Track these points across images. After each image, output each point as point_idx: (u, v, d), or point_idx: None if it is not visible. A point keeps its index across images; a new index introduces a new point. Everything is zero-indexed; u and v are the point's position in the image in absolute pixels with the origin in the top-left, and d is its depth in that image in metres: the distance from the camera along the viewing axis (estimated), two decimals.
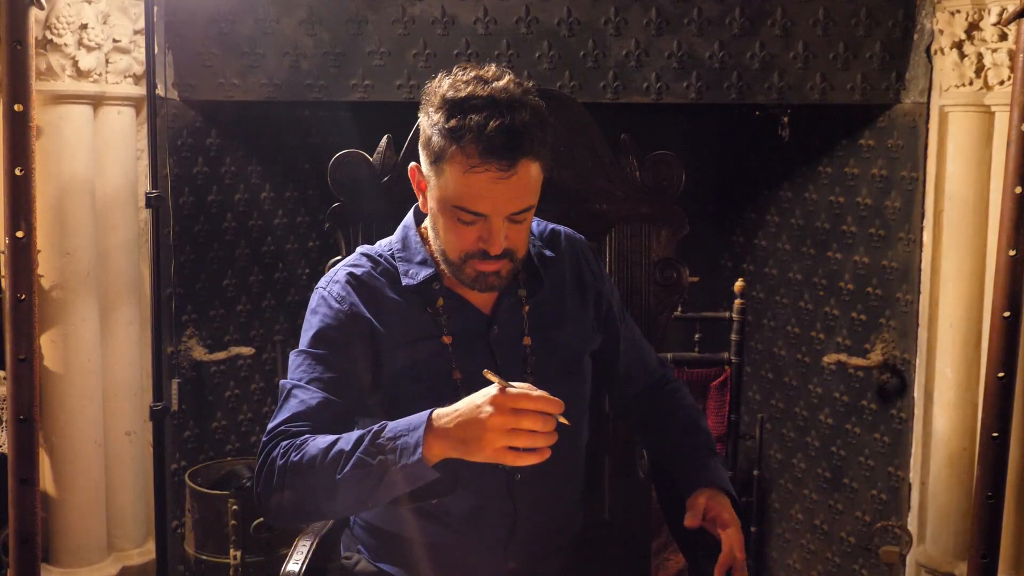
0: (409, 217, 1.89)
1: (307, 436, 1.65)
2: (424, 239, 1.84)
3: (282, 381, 1.77)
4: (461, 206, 1.68)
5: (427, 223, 1.82)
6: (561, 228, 1.96)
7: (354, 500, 1.61)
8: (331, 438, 1.61)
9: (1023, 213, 1.87)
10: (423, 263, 1.81)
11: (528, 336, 1.85)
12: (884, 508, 3.17)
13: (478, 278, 1.75)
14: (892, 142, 3.07)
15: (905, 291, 3.06)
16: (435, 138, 1.68)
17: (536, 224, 1.93)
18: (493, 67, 1.71)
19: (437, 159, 1.69)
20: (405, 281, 1.81)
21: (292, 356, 1.78)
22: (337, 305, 1.78)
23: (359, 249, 1.89)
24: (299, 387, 1.73)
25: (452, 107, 1.66)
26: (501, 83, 1.67)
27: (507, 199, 1.67)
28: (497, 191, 1.65)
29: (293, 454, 1.62)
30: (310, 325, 1.79)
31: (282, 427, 1.69)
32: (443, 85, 1.70)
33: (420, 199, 1.80)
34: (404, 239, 1.86)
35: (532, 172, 1.68)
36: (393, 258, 1.84)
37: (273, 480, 1.63)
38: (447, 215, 1.71)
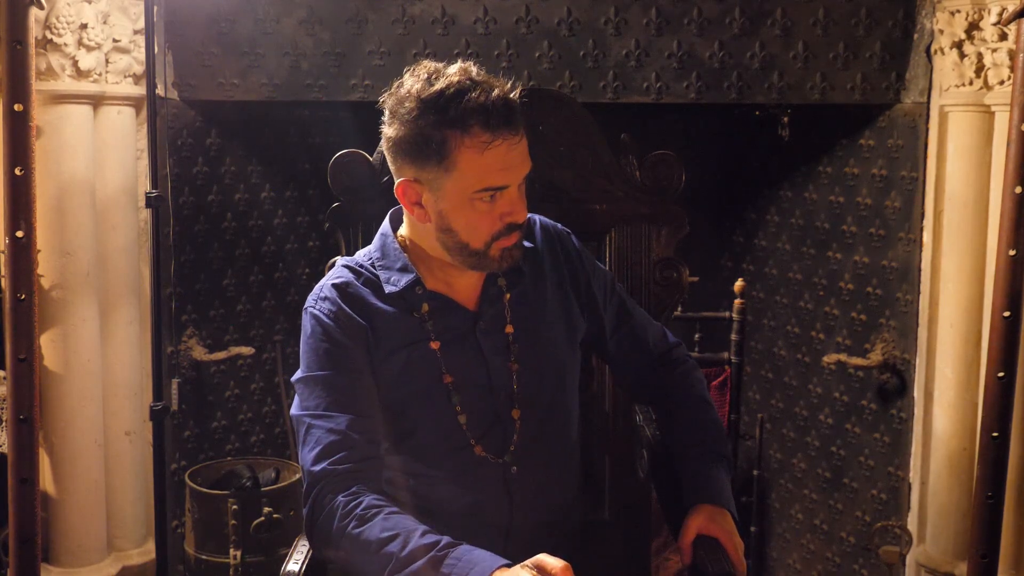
0: (385, 224, 1.88)
1: (368, 502, 1.64)
2: (403, 246, 1.83)
3: (296, 412, 1.75)
4: (485, 187, 1.69)
5: (411, 230, 1.81)
6: (536, 217, 1.94)
7: None
8: (391, 528, 1.60)
9: (1023, 213, 1.87)
10: (403, 269, 1.81)
11: (510, 324, 1.85)
12: (884, 508, 3.17)
13: (503, 257, 1.75)
14: (892, 142, 3.07)
15: (905, 291, 3.06)
16: (434, 138, 1.68)
17: None
18: (431, 63, 1.72)
19: (442, 157, 1.68)
20: (388, 288, 1.80)
21: (298, 385, 1.77)
22: (331, 321, 1.77)
23: (339, 261, 1.89)
24: (320, 416, 1.72)
25: (439, 102, 1.66)
26: (463, 66, 1.70)
27: (521, 163, 1.71)
28: (513, 158, 1.69)
29: (353, 524, 1.63)
30: (309, 348, 1.78)
31: (327, 467, 1.68)
32: (410, 92, 1.69)
33: (415, 213, 1.77)
34: (383, 247, 1.85)
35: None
36: (374, 267, 1.83)
37: (330, 535, 1.66)
38: (466, 207, 1.71)
